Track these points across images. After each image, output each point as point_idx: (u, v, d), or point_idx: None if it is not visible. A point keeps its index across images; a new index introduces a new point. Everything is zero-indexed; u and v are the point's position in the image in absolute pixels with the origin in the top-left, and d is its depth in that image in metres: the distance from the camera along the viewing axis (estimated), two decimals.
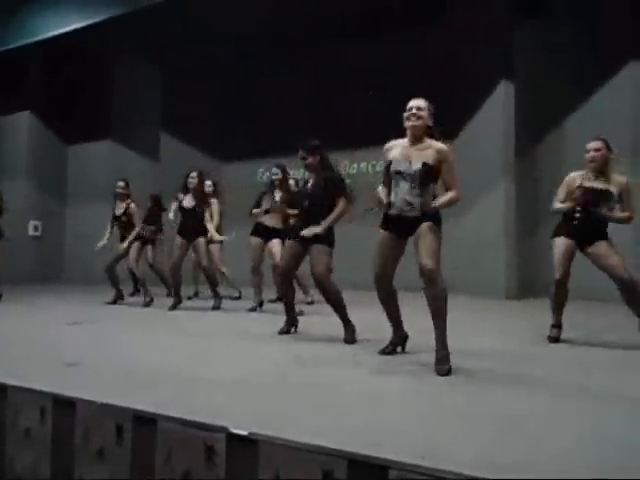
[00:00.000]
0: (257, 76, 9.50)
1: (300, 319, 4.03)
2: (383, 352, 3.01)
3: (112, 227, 5.99)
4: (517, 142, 7.16)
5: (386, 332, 3.13)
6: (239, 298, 6.37)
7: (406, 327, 3.10)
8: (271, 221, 5.20)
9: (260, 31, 8.60)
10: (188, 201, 5.43)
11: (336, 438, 1.57)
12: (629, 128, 6.52)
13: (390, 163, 2.79)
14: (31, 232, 10.41)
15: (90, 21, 8.25)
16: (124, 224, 5.89)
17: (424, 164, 2.70)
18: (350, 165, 8.74)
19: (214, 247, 6.12)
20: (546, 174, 7.39)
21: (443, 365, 2.54)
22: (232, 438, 1.70)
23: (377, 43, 8.29)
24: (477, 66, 7.19)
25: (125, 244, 5.83)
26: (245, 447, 1.67)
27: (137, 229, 5.83)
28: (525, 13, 7.24)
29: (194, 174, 5.45)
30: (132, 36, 9.02)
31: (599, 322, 4.62)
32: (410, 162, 2.73)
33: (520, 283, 6.97)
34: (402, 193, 2.73)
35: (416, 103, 2.81)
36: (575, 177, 3.58)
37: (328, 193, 3.60)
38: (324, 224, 3.50)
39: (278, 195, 5.16)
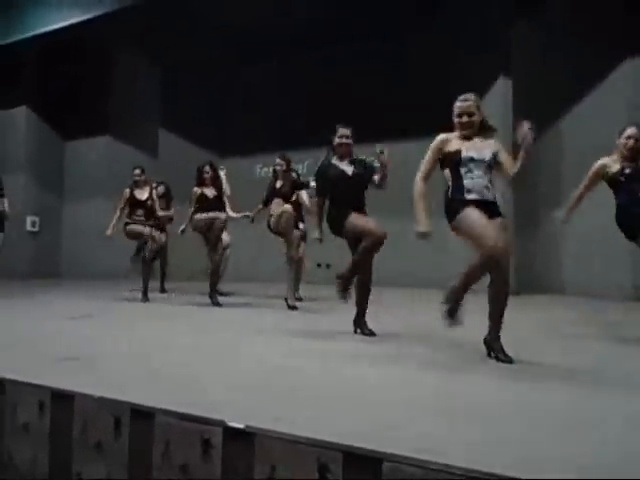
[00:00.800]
0: (256, 72, 9.49)
1: (294, 313, 4.03)
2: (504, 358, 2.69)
3: (121, 212, 5.89)
4: (514, 140, 7.17)
5: (386, 325, 3.13)
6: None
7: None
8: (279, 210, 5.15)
9: (259, 28, 8.58)
10: (211, 193, 5.46)
11: (332, 431, 1.59)
12: (625, 125, 6.53)
13: (457, 153, 2.79)
14: (29, 227, 10.41)
15: (88, 16, 8.24)
16: (150, 208, 5.92)
17: (494, 154, 2.81)
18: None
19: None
20: (543, 171, 7.43)
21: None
22: (228, 431, 1.72)
23: (377, 43, 8.29)
24: (475, 65, 7.20)
25: (162, 237, 5.90)
26: (241, 440, 1.69)
27: (169, 212, 5.79)
28: (522, 12, 7.25)
29: (207, 167, 5.51)
30: (131, 31, 9.00)
31: None
32: (477, 150, 2.80)
33: (519, 279, 7.00)
34: (479, 179, 2.76)
35: (465, 108, 2.85)
36: (604, 163, 3.47)
37: (361, 174, 3.64)
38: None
39: (279, 184, 5.22)
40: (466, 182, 2.75)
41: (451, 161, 2.81)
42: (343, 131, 3.69)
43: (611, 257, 6.21)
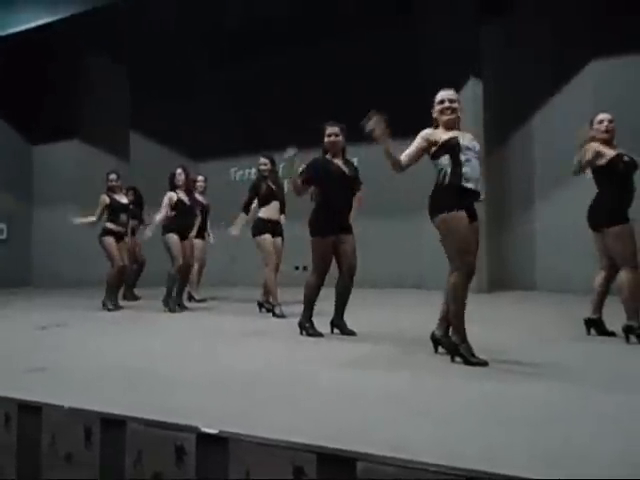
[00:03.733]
0: (229, 74, 9.42)
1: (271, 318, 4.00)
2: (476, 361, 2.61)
3: (101, 215, 5.73)
4: (486, 140, 7.30)
5: (364, 326, 3.12)
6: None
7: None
8: (275, 214, 4.90)
9: (231, 29, 8.54)
10: (184, 198, 5.44)
11: (306, 434, 1.58)
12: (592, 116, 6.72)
13: (454, 139, 2.74)
14: None
15: (55, 17, 8.04)
16: (132, 212, 5.96)
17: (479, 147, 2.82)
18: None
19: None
20: (514, 171, 7.58)
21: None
22: (202, 437, 1.69)
23: (345, 44, 8.33)
24: (444, 66, 7.30)
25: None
26: (215, 446, 1.67)
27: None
28: (490, 12, 7.39)
29: (180, 170, 5.50)
30: (99, 33, 8.84)
31: None
32: (470, 141, 2.79)
33: (490, 277, 7.12)
34: (476, 168, 2.75)
35: (449, 95, 2.84)
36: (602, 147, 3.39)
37: (355, 177, 3.67)
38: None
39: (272, 184, 4.93)
40: (465, 169, 2.71)
41: (450, 147, 2.73)
42: (331, 129, 3.65)
43: (580, 254, 6.37)
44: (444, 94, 2.86)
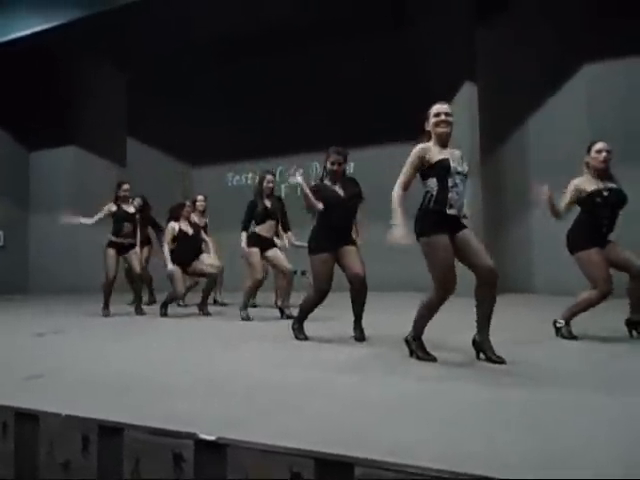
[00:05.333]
0: (225, 78, 9.45)
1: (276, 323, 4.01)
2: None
3: (99, 220, 5.77)
4: (481, 142, 7.34)
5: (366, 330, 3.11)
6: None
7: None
8: (269, 232, 5.02)
9: (227, 34, 8.55)
10: (186, 228, 5.65)
11: (305, 439, 1.58)
12: (586, 128, 6.76)
13: (446, 161, 2.76)
14: None
15: (51, 24, 8.06)
16: (138, 222, 5.98)
17: (468, 168, 2.85)
18: (320, 167, 8.80)
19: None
20: (510, 173, 7.61)
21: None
22: (200, 444, 1.69)
23: (341, 48, 8.37)
24: (440, 69, 7.33)
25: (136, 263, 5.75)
26: (213, 452, 1.67)
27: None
28: (486, 15, 7.44)
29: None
30: (96, 40, 8.85)
31: None
32: (460, 164, 2.81)
33: None
34: (462, 195, 2.78)
35: (445, 109, 2.85)
36: (584, 181, 3.47)
37: (358, 200, 3.73)
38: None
39: (269, 203, 4.99)
40: (451, 195, 2.76)
41: (441, 170, 2.77)
42: (336, 157, 3.68)
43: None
44: (440, 107, 2.87)
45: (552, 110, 7.22)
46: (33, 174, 10.69)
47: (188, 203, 5.93)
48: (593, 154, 3.47)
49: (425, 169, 2.82)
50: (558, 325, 3.53)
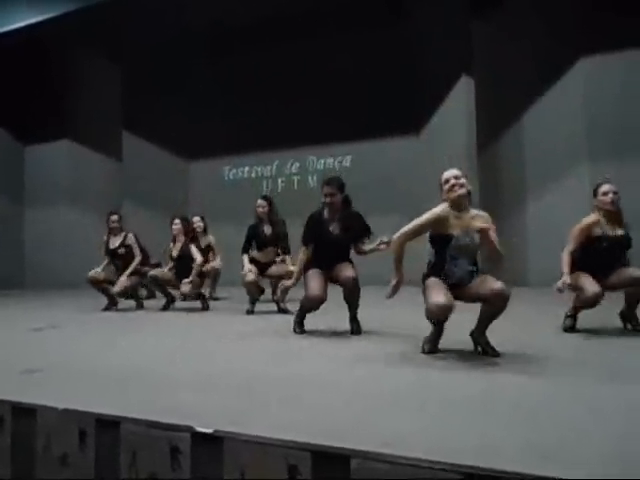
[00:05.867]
0: (222, 70, 9.40)
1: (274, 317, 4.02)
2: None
3: (109, 262, 5.62)
4: (478, 136, 7.34)
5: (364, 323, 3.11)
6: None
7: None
8: (267, 257, 5.04)
9: (224, 28, 8.51)
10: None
11: (302, 431, 1.59)
12: (581, 121, 6.76)
13: (448, 236, 2.74)
14: None
15: (46, 16, 8.00)
16: (122, 257, 5.54)
17: (480, 233, 2.72)
18: (317, 161, 8.79)
19: None
20: (507, 167, 7.62)
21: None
22: (197, 437, 1.70)
23: (337, 42, 8.34)
24: (437, 63, 7.32)
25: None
26: (210, 445, 1.68)
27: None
28: (482, 9, 7.42)
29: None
30: (91, 32, 8.79)
31: None
32: (468, 234, 2.74)
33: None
34: (464, 265, 2.76)
35: (453, 174, 2.80)
36: (591, 224, 3.41)
37: (353, 233, 3.64)
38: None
39: (268, 229, 4.98)
40: (447, 268, 2.76)
41: (441, 241, 2.76)
42: (328, 189, 3.61)
43: None
44: (447, 174, 2.82)
45: (548, 104, 7.23)
46: (28, 168, 10.64)
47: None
48: (600, 197, 3.40)
49: (431, 235, 2.82)
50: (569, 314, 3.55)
